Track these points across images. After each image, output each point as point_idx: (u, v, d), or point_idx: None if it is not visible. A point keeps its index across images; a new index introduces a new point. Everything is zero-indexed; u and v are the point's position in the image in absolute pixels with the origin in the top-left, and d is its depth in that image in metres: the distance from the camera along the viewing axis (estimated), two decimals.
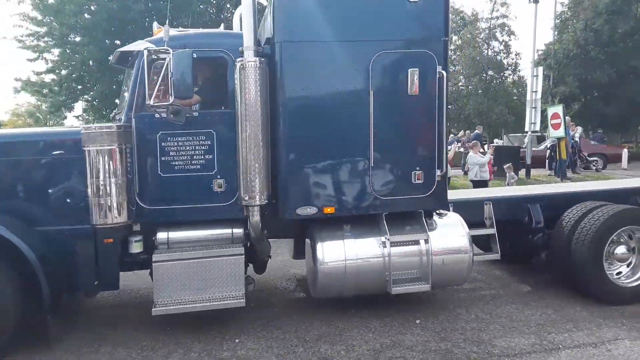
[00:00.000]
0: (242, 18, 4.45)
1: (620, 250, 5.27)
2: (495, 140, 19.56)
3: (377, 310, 5.14)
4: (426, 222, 4.92)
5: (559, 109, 16.11)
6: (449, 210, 5.16)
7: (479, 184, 10.68)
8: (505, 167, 12.65)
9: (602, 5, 27.07)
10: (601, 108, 29.39)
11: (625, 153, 20.37)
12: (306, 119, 4.58)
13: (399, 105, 4.69)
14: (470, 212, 5.48)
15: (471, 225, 5.26)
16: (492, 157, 12.96)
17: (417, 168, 4.75)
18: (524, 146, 17.39)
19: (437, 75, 4.67)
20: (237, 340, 4.51)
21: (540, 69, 17.27)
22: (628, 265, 5.36)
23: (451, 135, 21.31)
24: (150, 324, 4.74)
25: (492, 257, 5.53)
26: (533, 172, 16.44)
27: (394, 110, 4.69)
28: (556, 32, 27.41)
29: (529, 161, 16.30)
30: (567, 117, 16.64)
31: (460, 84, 42.63)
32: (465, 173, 13.43)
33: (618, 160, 19.98)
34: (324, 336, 4.56)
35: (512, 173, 12.65)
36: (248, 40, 4.38)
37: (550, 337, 4.47)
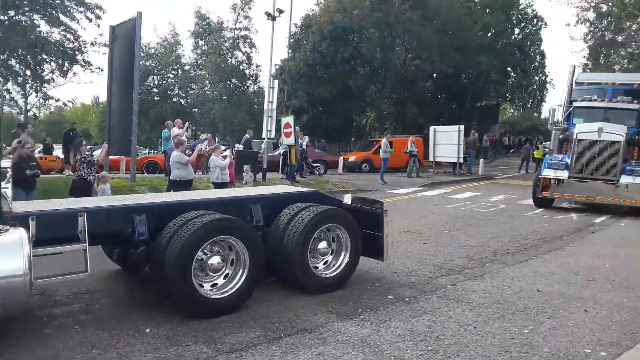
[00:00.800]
0: None
1: (215, 260, 5.25)
2: (237, 145, 20.49)
3: (105, 323, 4.79)
4: None
5: (290, 119, 17.91)
6: (8, 225, 4.23)
7: (220, 186, 11.12)
8: (244, 167, 13.74)
9: (326, 31, 31.43)
10: (324, 121, 34.28)
11: (341, 160, 23.86)
12: None
13: None
14: (62, 225, 4.75)
15: (65, 239, 4.66)
16: (233, 160, 13.65)
17: None
18: (261, 151, 18.74)
19: None
20: None
21: (276, 82, 18.84)
22: (225, 277, 5.33)
23: (201, 136, 21.52)
24: None
25: (80, 276, 4.71)
26: (268, 175, 17.86)
27: None
28: (290, 51, 30.40)
29: (265, 165, 17.65)
30: (297, 127, 18.68)
31: (206, 88, 43.35)
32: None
33: (336, 167, 23.25)
34: None
35: (250, 173, 13.68)
36: None
37: (274, 327, 4.86)
